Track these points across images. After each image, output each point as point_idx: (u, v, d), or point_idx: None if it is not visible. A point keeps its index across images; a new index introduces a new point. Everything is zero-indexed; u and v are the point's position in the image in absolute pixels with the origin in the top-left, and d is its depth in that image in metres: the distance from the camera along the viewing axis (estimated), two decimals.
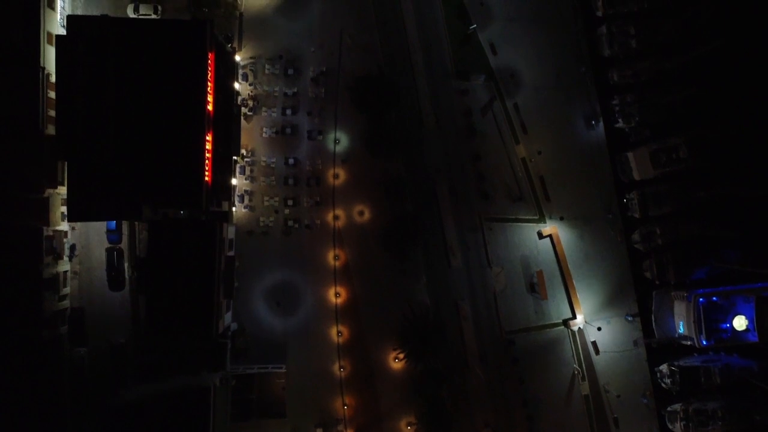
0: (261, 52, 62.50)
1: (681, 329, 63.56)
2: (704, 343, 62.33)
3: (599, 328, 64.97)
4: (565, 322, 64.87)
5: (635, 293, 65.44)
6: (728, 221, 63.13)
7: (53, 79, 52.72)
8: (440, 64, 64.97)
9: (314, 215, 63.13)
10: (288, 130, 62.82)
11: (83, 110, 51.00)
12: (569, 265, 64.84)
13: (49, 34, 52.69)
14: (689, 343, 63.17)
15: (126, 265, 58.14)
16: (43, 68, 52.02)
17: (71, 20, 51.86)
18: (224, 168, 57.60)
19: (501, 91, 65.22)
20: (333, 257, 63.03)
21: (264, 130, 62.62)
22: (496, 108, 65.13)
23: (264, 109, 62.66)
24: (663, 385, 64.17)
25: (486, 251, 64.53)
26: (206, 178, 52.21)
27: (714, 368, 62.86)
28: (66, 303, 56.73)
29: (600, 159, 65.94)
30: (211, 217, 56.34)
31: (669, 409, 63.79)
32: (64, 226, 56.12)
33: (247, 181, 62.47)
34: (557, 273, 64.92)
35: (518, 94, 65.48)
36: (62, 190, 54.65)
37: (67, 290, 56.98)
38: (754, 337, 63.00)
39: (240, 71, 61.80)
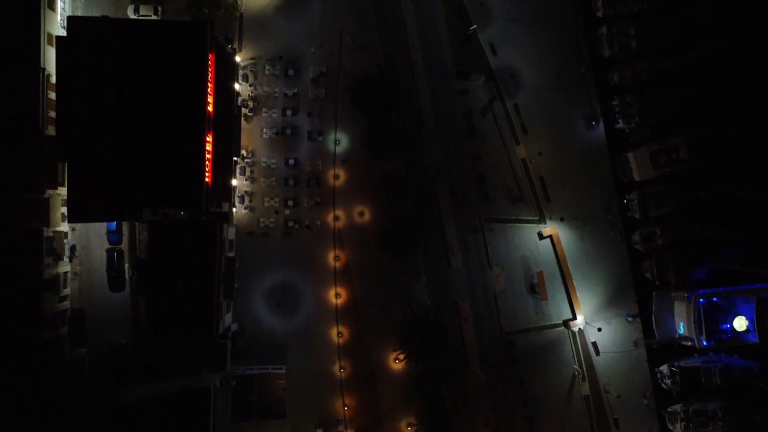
0: (261, 52, 62.48)
1: (681, 330, 63.59)
2: (704, 343, 62.37)
3: (599, 329, 64.96)
4: (566, 323, 64.87)
5: (635, 294, 65.45)
6: (728, 221, 63.14)
7: (53, 80, 52.67)
8: (440, 64, 64.94)
9: (314, 216, 63.12)
10: (288, 131, 62.82)
11: (83, 111, 50.99)
12: (569, 266, 64.84)
13: (50, 35, 52.66)
14: (689, 343, 63.20)
15: (126, 266, 58.09)
16: (44, 69, 52.00)
17: (71, 21, 51.88)
18: (224, 169, 57.60)
19: (501, 91, 65.21)
20: (333, 258, 63.03)
21: (264, 130, 62.63)
22: (496, 108, 65.12)
23: (264, 109, 62.66)
24: (663, 385, 64.17)
25: (486, 252, 64.54)
26: (206, 179, 52.18)
27: (714, 369, 62.83)
28: (66, 304, 56.71)
29: (600, 159, 65.95)
30: (211, 218, 56.34)
31: (669, 409, 63.82)
32: (64, 227, 56.09)
33: (248, 182, 62.47)
34: (557, 274, 64.93)
35: (518, 94, 65.48)
36: (62, 191, 54.58)
37: (67, 291, 56.95)
38: (754, 338, 63.06)
39: (240, 72, 61.80)
